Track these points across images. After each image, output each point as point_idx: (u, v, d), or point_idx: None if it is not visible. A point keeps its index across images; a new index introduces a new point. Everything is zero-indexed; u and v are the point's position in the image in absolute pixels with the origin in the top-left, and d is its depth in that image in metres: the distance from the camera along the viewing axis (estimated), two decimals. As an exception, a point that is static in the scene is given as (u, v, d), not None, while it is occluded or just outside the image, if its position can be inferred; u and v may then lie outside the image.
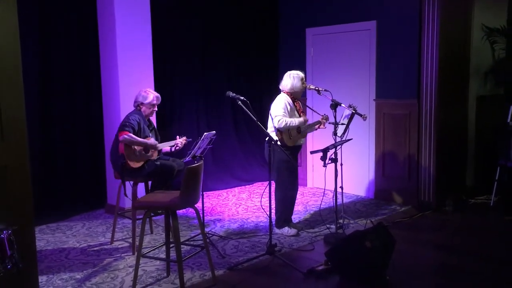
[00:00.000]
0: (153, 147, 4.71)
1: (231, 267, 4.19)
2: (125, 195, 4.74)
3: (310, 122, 5.17)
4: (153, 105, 4.85)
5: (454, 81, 5.98)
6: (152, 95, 4.82)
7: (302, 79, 4.94)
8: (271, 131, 4.82)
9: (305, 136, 5.06)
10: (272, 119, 4.79)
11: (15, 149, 3.18)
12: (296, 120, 4.82)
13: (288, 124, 4.74)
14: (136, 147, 4.63)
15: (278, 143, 4.68)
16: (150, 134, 4.83)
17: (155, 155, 4.79)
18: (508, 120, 5.88)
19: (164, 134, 5.59)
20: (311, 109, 5.66)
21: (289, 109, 4.82)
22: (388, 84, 6.15)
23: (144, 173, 4.70)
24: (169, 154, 5.06)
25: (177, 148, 4.88)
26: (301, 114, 4.98)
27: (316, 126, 5.11)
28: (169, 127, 6.42)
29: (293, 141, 4.86)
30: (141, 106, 4.80)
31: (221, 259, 4.39)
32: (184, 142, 4.93)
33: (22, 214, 3.22)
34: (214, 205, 6.25)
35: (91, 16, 5.84)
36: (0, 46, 3.08)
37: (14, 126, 3.17)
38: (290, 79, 4.91)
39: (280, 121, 4.71)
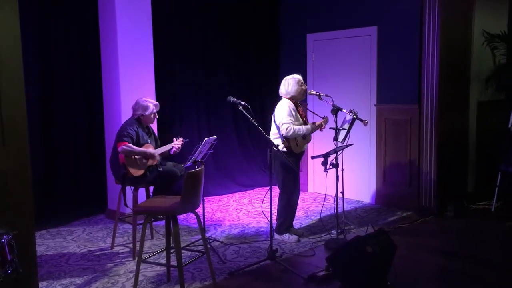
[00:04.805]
0: (152, 156, 4.67)
1: (232, 272, 4.18)
2: (125, 205, 4.73)
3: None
4: (154, 114, 4.83)
5: (455, 86, 5.98)
6: (151, 105, 4.77)
7: (299, 81, 4.88)
8: (274, 138, 4.79)
9: (309, 141, 5.06)
10: (277, 126, 4.77)
11: (16, 154, 3.18)
12: (303, 128, 4.79)
13: (296, 132, 4.71)
14: (136, 156, 4.62)
15: (284, 149, 4.67)
16: (149, 141, 4.80)
17: (155, 161, 4.77)
18: (509, 126, 5.87)
19: (165, 139, 5.57)
20: (312, 112, 5.64)
21: (294, 114, 4.80)
22: (389, 90, 6.16)
23: (146, 180, 4.68)
24: (169, 158, 5.05)
25: (176, 150, 4.86)
26: (304, 119, 4.97)
27: (318, 129, 5.10)
28: (170, 132, 6.39)
29: (299, 148, 4.86)
30: (142, 118, 4.78)
31: (221, 264, 4.38)
32: (181, 143, 4.90)
33: (23, 218, 3.22)
34: (214, 210, 6.24)
35: (92, 21, 5.85)
36: (2, 51, 3.09)
37: (15, 131, 3.17)
38: (286, 85, 4.87)
39: (288, 129, 4.68)
